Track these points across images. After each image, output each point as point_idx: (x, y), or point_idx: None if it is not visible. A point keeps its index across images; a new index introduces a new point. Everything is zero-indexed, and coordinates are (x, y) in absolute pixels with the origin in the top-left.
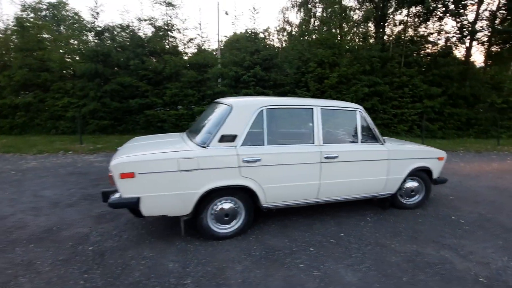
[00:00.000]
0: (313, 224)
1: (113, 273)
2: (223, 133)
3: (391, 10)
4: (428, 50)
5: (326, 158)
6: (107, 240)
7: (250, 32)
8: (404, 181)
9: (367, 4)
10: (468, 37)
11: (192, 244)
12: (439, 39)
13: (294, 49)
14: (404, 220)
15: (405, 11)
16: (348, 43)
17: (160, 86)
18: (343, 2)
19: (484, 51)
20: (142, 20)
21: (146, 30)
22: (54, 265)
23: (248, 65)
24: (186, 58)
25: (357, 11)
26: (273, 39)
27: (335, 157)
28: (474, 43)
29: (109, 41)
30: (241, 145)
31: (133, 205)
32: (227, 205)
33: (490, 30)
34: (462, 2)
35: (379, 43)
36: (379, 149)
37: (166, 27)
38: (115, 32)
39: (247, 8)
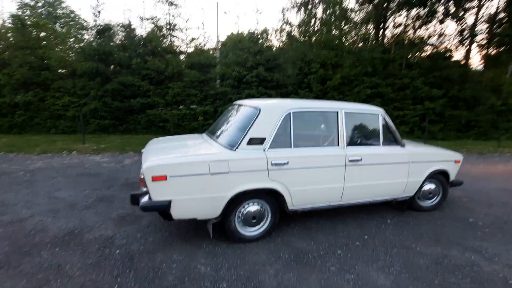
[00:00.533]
0: (336, 226)
1: (146, 277)
2: (252, 136)
3: (390, 12)
4: (429, 52)
5: (351, 161)
6: (133, 243)
7: (253, 33)
8: (423, 183)
9: (367, 5)
10: (468, 40)
11: (220, 247)
12: (440, 42)
13: (296, 50)
14: (423, 222)
15: (404, 13)
16: (350, 45)
17: (162, 86)
18: (344, 4)
19: (483, 54)
20: (144, 19)
21: (148, 29)
22: (84, 269)
23: (251, 66)
24: (188, 57)
25: (358, 12)
26: (271, 39)
27: (359, 160)
28: (474, 45)
29: (110, 40)
30: (269, 148)
31: (164, 208)
32: (254, 208)
33: (488, 33)
34: (463, 6)
35: (380, 44)
36: (400, 152)
37: (168, 26)
38: (117, 31)
39: (245, 7)
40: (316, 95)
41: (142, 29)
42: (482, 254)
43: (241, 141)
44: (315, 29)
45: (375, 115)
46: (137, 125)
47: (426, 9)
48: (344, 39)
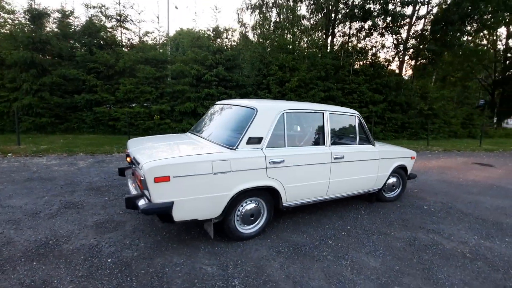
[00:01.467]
0: (321, 219)
1: (151, 283)
2: (251, 135)
3: (337, 22)
4: (370, 61)
5: (335, 158)
6: (124, 250)
7: (214, 30)
8: (388, 177)
9: (317, 14)
10: (401, 52)
11: (218, 247)
12: (379, 52)
13: (254, 51)
14: (390, 211)
15: (350, 24)
16: (303, 50)
17: (112, 81)
18: (296, 10)
19: (412, 65)
20: (90, 7)
21: (95, 19)
22: (76, 282)
23: (210, 64)
24: (142, 52)
25: (310, 20)
26: (230, 38)
27: (341, 157)
28: (406, 57)
29: (48, 27)
30: (266, 147)
31: (166, 210)
32: (250, 206)
33: (417, 47)
34: (399, 22)
35: (331, 51)
36: (373, 150)
37: (118, 17)
38: (57, 18)
39: (202, 5)
40: (274, 96)
41: (87, 18)
42: (441, 234)
43: (241, 140)
44: (269, 31)
45: (353, 116)
46: (81, 124)
47: (369, 23)
48: (297, 44)
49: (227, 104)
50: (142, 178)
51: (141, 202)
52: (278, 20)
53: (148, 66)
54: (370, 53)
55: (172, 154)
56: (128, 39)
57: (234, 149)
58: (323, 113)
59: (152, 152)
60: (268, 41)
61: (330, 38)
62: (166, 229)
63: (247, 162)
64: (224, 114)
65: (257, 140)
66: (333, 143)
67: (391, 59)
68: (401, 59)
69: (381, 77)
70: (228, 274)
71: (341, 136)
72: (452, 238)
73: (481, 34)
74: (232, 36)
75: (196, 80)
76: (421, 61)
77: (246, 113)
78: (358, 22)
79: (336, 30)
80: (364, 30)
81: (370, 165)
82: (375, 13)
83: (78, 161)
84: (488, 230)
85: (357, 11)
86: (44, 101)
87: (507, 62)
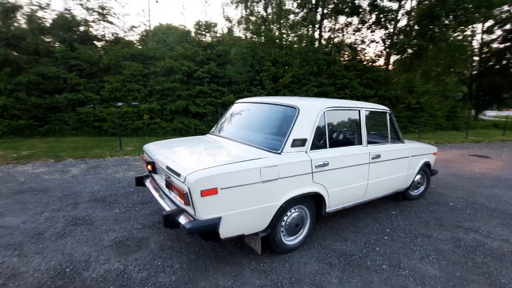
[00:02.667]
0: (357, 223)
1: None
2: (295, 137)
3: (326, 17)
4: (360, 57)
5: (373, 158)
6: (158, 275)
7: (207, 25)
8: (415, 175)
9: (305, 8)
10: (388, 47)
11: (263, 263)
12: (370, 46)
13: (246, 47)
14: (420, 210)
15: (341, 19)
16: (293, 44)
17: (96, 79)
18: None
19: (397, 60)
20: None
21: (75, 12)
22: None
23: (201, 60)
24: (128, 47)
25: (299, 14)
26: (222, 33)
27: (378, 156)
28: (393, 52)
29: (23, 22)
30: (310, 150)
31: (214, 228)
32: (294, 215)
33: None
34: (387, 17)
35: (321, 46)
36: (403, 148)
37: (101, 10)
38: (32, 12)
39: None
40: (268, 93)
41: (66, 11)
42: (480, 233)
43: (285, 143)
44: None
45: (384, 113)
46: (63, 126)
47: (358, 18)
48: (284, 38)
49: (257, 103)
50: (185, 192)
51: (182, 219)
52: (265, 14)
53: (135, 62)
54: (359, 48)
55: (214, 161)
56: (112, 34)
57: (279, 153)
58: (359, 110)
59: (189, 160)
60: (256, 36)
61: (318, 33)
62: (197, 245)
63: (294, 167)
64: (255, 113)
65: (301, 142)
66: (369, 142)
67: (379, 53)
68: (388, 54)
69: (371, 72)
70: None
71: (374, 134)
72: (493, 237)
73: (459, 29)
74: (221, 30)
75: (187, 77)
76: (408, 56)
77: (287, 112)
78: (348, 17)
79: (324, 25)
80: (352, 25)
81: (402, 163)
82: (364, 8)
83: (69, 167)
84: None
85: (345, 5)
86: (21, 102)
87: (483, 56)
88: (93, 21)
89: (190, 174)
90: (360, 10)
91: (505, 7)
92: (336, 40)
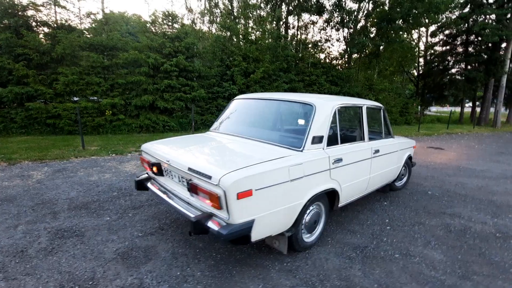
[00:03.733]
0: (357, 216)
1: None
2: (314, 135)
3: (292, 14)
4: (325, 55)
5: (373, 153)
6: (182, 285)
7: (171, 15)
8: (402, 167)
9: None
10: (349, 47)
11: (286, 262)
12: (333, 45)
13: (217, 40)
14: (407, 200)
15: (305, 17)
16: (259, 39)
17: (48, 71)
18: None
19: (358, 59)
20: None
21: None
22: None
23: (169, 53)
24: (84, 35)
25: (265, 9)
26: (191, 25)
27: (378, 151)
28: (354, 51)
29: None
30: (327, 146)
31: (248, 231)
32: (313, 212)
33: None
34: (350, 17)
35: (290, 43)
36: (394, 142)
37: None
38: None
39: None
40: (239, 88)
41: None
42: (463, 218)
43: (306, 140)
44: (223, 19)
45: (379, 109)
46: (9, 124)
47: (324, 16)
48: (252, 32)
49: (266, 99)
50: (218, 195)
51: (212, 225)
52: (230, 7)
53: (94, 53)
54: (325, 46)
55: (244, 161)
56: (66, 20)
57: (301, 151)
58: (361, 107)
59: (216, 161)
60: (222, 30)
61: (283, 29)
62: (212, 249)
63: (315, 165)
64: (265, 110)
65: (319, 139)
66: (369, 138)
67: (342, 52)
68: (350, 53)
69: (336, 70)
70: None
71: (373, 130)
72: (474, 220)
73: (411, 32)
74: (185, 21)
75: (154, 70)
76: (367, 55)
77: (303, 110)
78: (311, 15)
79: (290, 22)
80: (316, 24)
81: (394, 157)
82: (328, 9)
83: (29, 171)
84: (491, 209)
85: (309, 4)
86: None
87: (427, 58)
88: (42, 5)
89: (224, 176)
90: (325, 9)
91: (446, 14)
92: (300, 37)
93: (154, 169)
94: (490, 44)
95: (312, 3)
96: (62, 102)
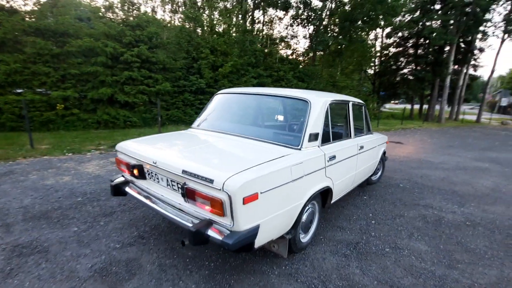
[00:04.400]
0: (343, 212)
1: None
2: (310, 132)
3: (259, 9)
4: (290, 51)
5: (359, 149)
6: None
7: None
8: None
9: None
10: (314, 44)
11: (284, 266)
12: (300, 42)
13: (181, 30)
14: (383, 193)
15: (271, 12)
16: (224, 33)
17: None
18: None
19: (322, 56)
20: None
21: None
22: None
23: (129, 42)
24: (30, 18)
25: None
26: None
27: (362, 147)
28: (318, 49)
29: None
30: (321, 144)
31: (253, 238)
32: (309, 211)
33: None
34: (316, 15)
35: (257, 38)
36: (373, 138)
37: None
38: None
39: None
40: (207, 82)
41: None
42: (435, 208)
43: (303, 138)
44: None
45: (361, 106)
46: None
47: (290, 13)
48: (218, 24)
49: (256, 94)
50: (222, 201)
51: (213, 234)
52: None
53: (41, 39)
54: (292, 42)
55: (245, 162)
56: (8, 1)
57: (300, 149)
58: (348, 103)
59: (214, 162)
60: (186, 20)
61: (249, 23)
62: (203, 258)
63: (313, 163)
64: (255, 106)
65: (315, 137)
66: (354, 134)
67: (308, 48)
68: (314, 50)
69: (303, 66)
70: None
71: (357, 126)
72: (444, 210)
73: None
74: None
75: (112, 60)
76: (330, 53)
77: (298, 106)
78: (277, 9)
79: (256, 16)
80: (282, 20)
81: (374, 152)
82: (294, 5)
83: None
84: (456, 199)
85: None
86: None
87: (382, 58)
88: None
89: (229, 180)
90: (291, 5)
91: (399, 18)
92: (266, 32)
93: (135, 171)
94: (436, 47)
95: None
96: (3, 95)
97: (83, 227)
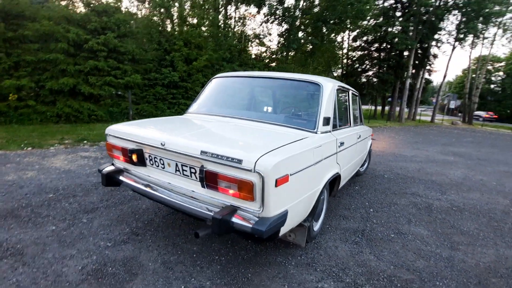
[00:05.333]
0: (341, 201)
1: None
2: (324, 116)
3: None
4: (264, 48)
5: (357, 138)
6: None
7: None
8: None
9: None
10: (287, 43)
11: (299, 256)
12: (273, 40)
13: (150, 19)
14: (372, 183)
15: (244, 8)
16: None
17: None
18: None
19: (295, 55)
20: None
21: None
22: None
23: (94, 29)
24: None
25: None
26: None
27: (360, 136)
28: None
29: None
30: (332, 129)
31: (282, 225)
32: (321, 198)
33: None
34: (290, 14)
35: (232, 32)
36: (365, 129)
37: None
38: None
39: None
40: (181, 76)
41: None
42: (422, 196)
43: (318, 122)
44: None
45: (356, 96)
46: None
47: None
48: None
49: (263, 78)
50: (253, 183)
51: (239, 221)
52: None
53: None
54: (266, 39)
55: (271, 143)
56: None
57: (316, 132)
58: (348, 91)
59: (238, 142)
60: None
61: (222, 18)
62: (210, 252)
63: (329, 147)
64: (262, 90)
65: (327, 121)
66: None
67: (281, 46)
68: (287, 49)
69: (276, 64)
70: (351, 284)
71: (354, 116)
72: (430, 197)
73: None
74: None
75: (75, 48)
76: (303, 52)
77: (310, 89)
78: (252, 7)
79: (229, 12)
80: (255, 17)
81: (365, 143)
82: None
83: None
84: (437, 187)
85: None
86: None
87: (349, 60)
88: None
89: (261, 159)
90: (265, 3)
91: (364, 22)
92: (239, 28)
93: (133, 157)
94: (397, 52)
95: None
96: None
97: (62, 225)
